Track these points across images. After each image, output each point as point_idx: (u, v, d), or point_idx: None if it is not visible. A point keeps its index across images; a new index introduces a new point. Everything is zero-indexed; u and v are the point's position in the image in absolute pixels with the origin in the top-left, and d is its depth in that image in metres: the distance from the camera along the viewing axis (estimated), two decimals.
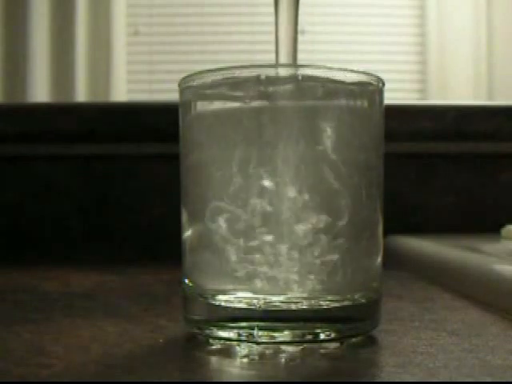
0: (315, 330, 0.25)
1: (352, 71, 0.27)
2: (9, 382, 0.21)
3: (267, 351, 0.24)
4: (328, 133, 0.26)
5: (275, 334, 0.25)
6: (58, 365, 0.23)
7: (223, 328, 0.26)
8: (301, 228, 0.25)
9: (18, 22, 1.20)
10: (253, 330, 0.25)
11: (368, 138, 0.27)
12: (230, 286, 0.26)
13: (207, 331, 0.26)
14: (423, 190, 0.67)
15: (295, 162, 0.25)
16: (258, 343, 0.25)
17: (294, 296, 0.25)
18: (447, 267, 0.44)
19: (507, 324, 0.30)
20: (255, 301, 0.25)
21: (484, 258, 0.43)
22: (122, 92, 1.25)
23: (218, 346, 0.25)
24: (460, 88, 1.23)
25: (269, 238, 0.25)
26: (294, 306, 0.25)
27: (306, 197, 0.25)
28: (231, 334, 0.25)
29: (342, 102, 0.27)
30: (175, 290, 0.34)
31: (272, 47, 0.29)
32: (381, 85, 0.28)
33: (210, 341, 0.26)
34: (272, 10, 0.29)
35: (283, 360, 0.23)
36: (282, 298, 0.25)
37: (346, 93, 0.27)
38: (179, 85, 0.28)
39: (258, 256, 0.25)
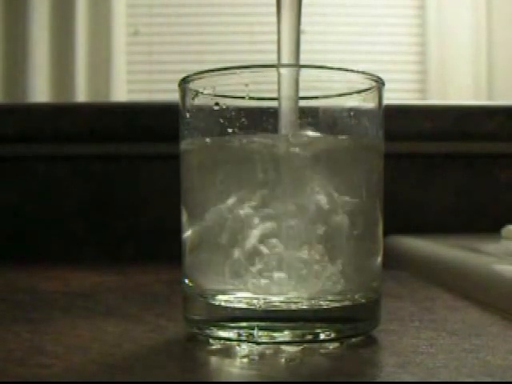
0: (315, 330, 0.25)
1: (352, 71, 0.27)
2: (9, 382, 0.21)
3: (267, 351, 0.24)
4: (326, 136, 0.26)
5: (275, 334, 0.25)
6: (57, 365, 0.23)
7: (223, 328, 0.26)
8: (301, 229, 0.25)
9: (18, 21, 1.20)
10: (253, 330, 0.25)
11: (368, 144, 0.27)
12: (230, 286, 0.26)
13: (207, 331, 0.26)
14: (423, 190, 0.67)
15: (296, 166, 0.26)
16: (258, 343, 0.25)
17: (294, 296, 0.25)
18: (447, 267, 0.44)
19: (507, 324, 0.30)
20: (255, 301, 0.25)
21: (484, 257, 0.43)
22: (122, 92, 1.25)
23: (218, 346, 0.25)
24: (460, 88, 1.23)
25: (269, 238, 0.25)
26: (293, 306, 0.25)
27: (307, 199, 0.25)
28: (231, 334, 0.25)
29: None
30: (175, 289, 0.34)
31: (272, 47, 0.29)
32: (381, 85, 0.28)
33: (210, 341, 0.26)
34: (273, 9, 0.29)
35: (283, 360, 0.23)
36: (282, 298, 0.25)
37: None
38: (179, 85, 0.28)
39: (258, 256, 0.25)
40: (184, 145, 0.28)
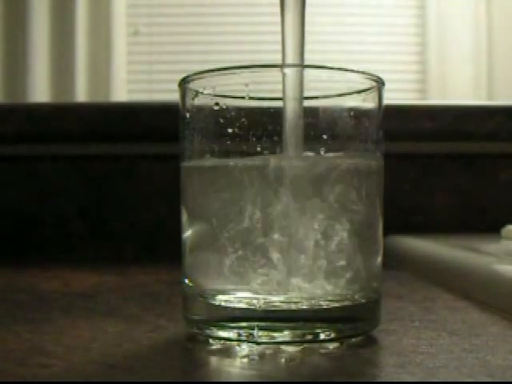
0: (315, 330, 0.25)
1: (352, 71, 0.27)
2: (9, 382, 0.21)
3: (267, 351, 0.24)
4: (326, 137, 0.26)
5: (275, 334, 0.25)
6: (57, 365, 0.23)
7: (223, 328, 0.26)
8: (301, 229, 0.25)
9: (18, 21, 1.20)
10: (253, 330, 0.25)
11: (368, 144, 0.27)
12: (230, 286, 0.26)
13: (207, 331, 0.26)
14: (423, 190, 0.67)
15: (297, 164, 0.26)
16: (258, 343, 0.25)
17: (294, 296, 0.25)
18: (447, 267, 0.44)
19: (507, 324, 0.30)
20: (255, 301, 0.25)
21: (484, 257, 0.43)
22: (122, 92, 1.25)
23: (218, 346, 0.25)
24: (460, 88, 1.23)
25: (269, 239, 0.25)
26: (293, 306, 0.25)
27: (307, 200, 0.25)
28: (231, 334, 0.25)
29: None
30: (175, 289, 0.34)
31: (273, 47, 0.29)
32: (381, 85, 0.28)
33: (210, 341, 0.26)
34: (273, 9, 0.29)
35: (283, 360, 0.23)
36: (281, 298, 0.25)
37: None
38: (179, 85, 0.28)
39: (258, 256, 0.25)
40: (184, 164, 0.28)
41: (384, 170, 0.29)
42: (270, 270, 0.25)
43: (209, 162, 0.27)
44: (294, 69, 0.28)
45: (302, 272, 0.25)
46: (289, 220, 0.25)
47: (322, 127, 0.26)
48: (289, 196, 0.25)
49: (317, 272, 0.25)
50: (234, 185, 0.26)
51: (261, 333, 0.25)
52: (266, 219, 0.25)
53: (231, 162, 0.26)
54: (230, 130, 0.26)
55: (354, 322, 0.26)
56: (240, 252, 0.25)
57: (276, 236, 0.25)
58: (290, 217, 0.25)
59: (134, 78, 1.31)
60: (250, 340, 0.25)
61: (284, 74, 0.27)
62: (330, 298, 0.26)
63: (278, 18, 0.28)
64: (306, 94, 0.27)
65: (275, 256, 0.25)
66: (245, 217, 0.25)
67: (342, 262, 0.26)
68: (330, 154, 0.26)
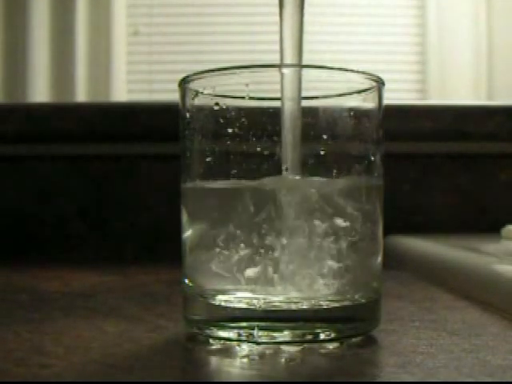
0: (315, 330, 0.25)
1: (352, 71, 0.27)
2: (9, 382, 0.21)
3: (267, 351, 0.24)
4: (326, 137, 0.26)
5: (275, 334, 0.25)
6: (57, 365, 0.23)
7: (223, 328, 0.26)
8: (301, 230, 0.25)
9: (18, 22, 1.20)
10: (253, 330, 0.25)
11: (368, 144, 0.28)
12: (230, 286, 0.26)
13: (207, 331, 0.26)
14: (423, 190, 0.67)
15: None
16: (258, 343, 0.25)
17: (294, 296, 0.25)
18: (447, 267, 0.44)
19: (507, 324, 0.30)
20: (255, 301, 0.25)
21: (484, 257, 0.43)
22: (122, 92, 1.25)
23: (218, 346, 0.25)
24: (460, 88, 1.23)
25: (269, 239, 0.25)
26: (294, 306, 0.25)
27: (307, 200, 0.25)
28: (231, 334, 0.25)
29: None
30: (175, 289, 0.34)
31: (272, 47, 0.29)
32: (381, 85, 0.28)
33: (210, 341, 0.26)
34: (272, 9, 0.29)
35: (283, 360, 0.23)
36: (281, 298, 0.25)
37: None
38: (179, 85, 0.28)
39: (258, 256, 0.25)
40: (183, 184, 0.28)
41: (384, 170, 0.29)
42: (270, 270, 0.25)
43: (208, 185, 0.27)
44: (293, 69, 0.28)
45: (302, 272, 0.25)
46: (288, 222, 0.25)
47: (321, 127, 0.26)
48: (288, 206, 0.25)
49: (317, 272, 0.25)
50: (232, 205, 0.26)
51: (261, 333, 0.25)
52: (266, 221, 0.25)
53: (230, 185, 0.26)
54: (230, 130, 0.26)
55: (354, 322, 0.26)
56: (240, 252, 0.25)
57: (275, 237, 0.25)
58: (289, 220, 0.25)
59: (133, 78, 1.31)
60: (250, 340, 0.25)
61: (282, 74, 0.27)
62: (330, 298, 0.26)
63: (272, 18, 0.28)
64: (306, 94, 0.27)
65: (275, 256, 0.25)
66: (244, 219, 0.25)
67: (342, 262, 0.26)
68: (325, 179, 0.26)
